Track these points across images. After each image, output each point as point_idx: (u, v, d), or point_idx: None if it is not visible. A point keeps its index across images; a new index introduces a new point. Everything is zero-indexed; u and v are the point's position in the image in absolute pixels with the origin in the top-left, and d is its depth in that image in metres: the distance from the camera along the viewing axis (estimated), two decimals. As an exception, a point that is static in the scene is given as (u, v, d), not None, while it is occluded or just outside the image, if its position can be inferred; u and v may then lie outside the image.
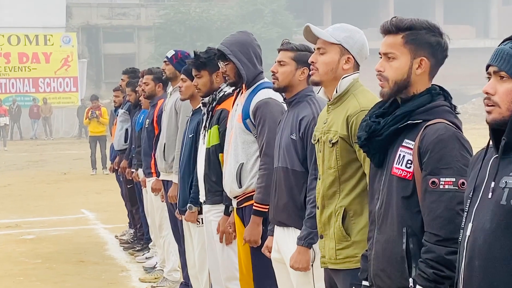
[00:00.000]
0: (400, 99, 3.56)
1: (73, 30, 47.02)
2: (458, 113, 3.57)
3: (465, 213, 2.91)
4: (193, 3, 48.55)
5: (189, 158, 6.61)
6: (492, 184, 2.79)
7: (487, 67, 2.84)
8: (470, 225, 2.85)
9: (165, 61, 7.68)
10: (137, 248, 10.81)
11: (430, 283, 3.23)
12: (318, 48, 4.28)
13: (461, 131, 3.46)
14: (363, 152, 3.73)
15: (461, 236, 2.90)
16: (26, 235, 12.89)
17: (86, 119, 22.86)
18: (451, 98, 3.62)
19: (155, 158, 8.30)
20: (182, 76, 6.89)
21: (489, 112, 2.82)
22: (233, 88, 5.93)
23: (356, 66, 4.30)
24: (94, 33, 49.04)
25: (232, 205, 5.75)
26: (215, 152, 5.94)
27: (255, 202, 5.31)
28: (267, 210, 5.16)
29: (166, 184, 7.82)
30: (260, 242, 5.25)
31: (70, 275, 9.78)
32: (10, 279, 9.62)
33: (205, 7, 47.78)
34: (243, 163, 5.56)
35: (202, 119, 6.31)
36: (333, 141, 4.11)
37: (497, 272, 2.76)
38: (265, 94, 5.47)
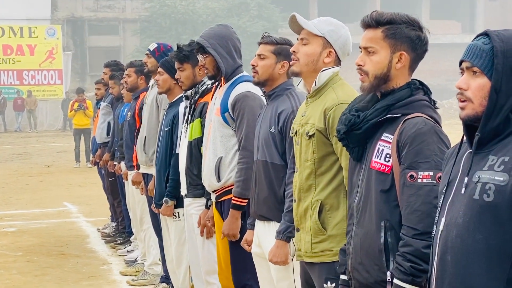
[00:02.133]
0: (380, 93, 3.57)
1: (58, 23, 46.88)
2: (437, 108, 3.62)
3: (439, 207, 2.92)
4: (177, -2, 48.65)
5: (166, 151, 6.61)
6: (466, 179, 2.80)
7: (460, 62, 2.85)
8: (443, 219, 2.86)
9: (147, 54, 7.67)
10: (119, 242, 10.82)
11: (407, 276, 3.25)
12: (302, 39, 4.29)
13: (440, 126, 3.49)
14: (342, 145, 3.74)
15: (434, 231, 2.92)
16: (7, 228, 12.88)
17: (71, 111, 22.77)
18: (431, 92, 3.64)
19: (136, 151, 8.27)
20: (160, 69, 6.87)
21: (462, 108, 2.83)
22: (212, 81, 5.92)
23: (337, 61, 4.31)
24: (79, 26, 48.96)
25: (210, 199, 5.75)
26: (197, 146, 5.93)
27: (234, 196, 5.31)
28: (245, 204, 5.17)
29: (146, 177, 7.82)
30: (238, 236, 5.26)
31: (51, 268, 9.78)
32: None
33: (191, 0, 47.75)
34: (221, 157, 5.56)
35: (185, 112, 6.30)
36: (310, 134, 4.12)
37: (469, 267, 2.77)
38: (244, 87, 5.47)
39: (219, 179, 5.57)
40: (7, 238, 11.93)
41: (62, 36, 46.24)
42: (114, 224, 11.39)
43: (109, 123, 10.75)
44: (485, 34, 2.86)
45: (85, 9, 49.82)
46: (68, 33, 47.67)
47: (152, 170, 7.34)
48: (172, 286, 7.61)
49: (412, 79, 3.61)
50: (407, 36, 3.56)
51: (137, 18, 48.46)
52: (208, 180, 5.67)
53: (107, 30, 49.54)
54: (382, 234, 3.44)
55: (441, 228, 2.87)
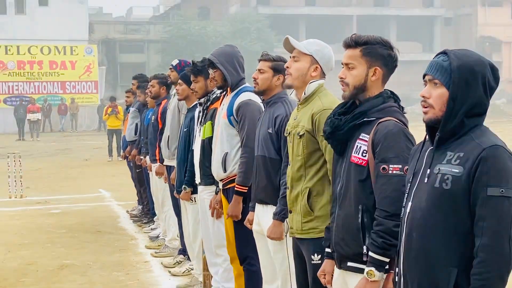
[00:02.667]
0: (358, 101, 3.58)
1: (94, 43, 46.84)
2: (405, 113, 3.66)
3: (406, 194, 2.94)
4: (193, 21, 48.65)
5: (184, 148, 6.63)
6: (428, 170, 2.84)
7: (424, 75, 2.89)
8: (409, 204, 2.89)
9: (170, 68, 7.70)
10: (144, 221, 10.82)
11: (380, 249, 3.27)
12: (293, 57, 4.31)
13: (407, 127, 3.54)
14: (328, 143, 3.76)
15: (402, 213, 2.94)
16: (53, 210, 12.88)
17: (105, 115, 22.97)
18: (400, 100, 3.69)
19: (159, 148, 8.29)
20: (179, 81, 6.91)
21: (425, 113, 2.87)
22: (220, 90, 5.94)
23: (323, 75, 4.32)
24: (111, 45, 48.88)
25: (218, 187, 5.77)
26: (209, 143, 5.94)
27: (237, 184, 5.35)
28: (246, 191, 5.22)
29: (169, 168, 7.82)
30: (240, 216, 5.30)
31: (89, 242, 9.81)
32: (39, 245, 9.63)
33: (203, 25, 47.85)
34: (227, 152, 5.59)
35: (198, 116, 6.31)
36: (300, 134, 4.14)
37: (431, 242, 2.78)
38: (246, 96, 5.50)
39: (225, 170, 5.60)
40: (53, 218, 11.93)
41: (97, 54, 46.24)
42: (140, 207, 11.39)
43: (136, 124, 10.76)
44: (444, 52, 2.89)
45: (116, 32, 49.79)
46: (102, 51, 47.61)
47: (173, 163, 7.34)
48: (188, 257, 7.64)
49: (384, 89, 3.63)
50: (380, 54, 3.58)
51: (159, 39, 48.41)
52: (216, 171, 5.70)
53: (134, 49, 49.48)
54: (360, 216, 3.48)
55: (408, 210, 2.89)
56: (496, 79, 2.85)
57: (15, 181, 14.93)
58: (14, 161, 15.67)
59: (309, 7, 53.98)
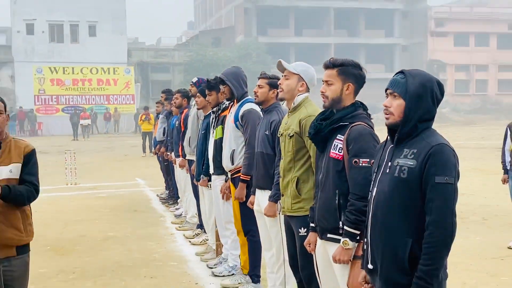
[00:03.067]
0: (335, 109, 3.60)
1: (131, 65, 46.89)
2: (372, 119, 3.70)
3: (372, 181, 2.95)
4: (208, 48, 48.71)
5: (202, 146, 6.62)
6: (389, 163, 2.87)
7: (386, 90, 2.90)
8: (375, 189, 2.90)
9: (191, 84, 7.72)
10: (170, 203, 10.81)
11: (352, 224, 3.32)
12: (285, 75, 4.33)
13: (373, 130, 3.58)
14: (312, 142, 3.80)
15: (369, 196, 2.95)
16: (100, 194, 12.90)
17: (140, 121, 23.12)
18: (367, 109, 3.72)
19: (182, 146, 8.32)
20: (198, 94, 6.92)
21: (387, 118, 2.89)
22: (229, 102, 5.95)
23: (307, 89, 4.34)
24: (145, 67, 48.87)
25: (227, 176, 5.77)
26: (220, 142, 5.95)
27: (242, 174, 5.37)
28: (249, 179, 5.23)
29: (190, 162, 7.81)
30: (244, 199, 5.31)
31: (128, 218, 9.86)
32: (89, 221, 9.65)
33: (215, 51, 47.94)
34: (234, 149, 5.62)
35: (212, 121, 6.32)
36: (290, 135, 4.16)
37: (391, 219, 2.80)
38: (248, 106, 5.53)
39: (232, 163, 5.62)
40: (100, 200, 11.96)
41: (134, 73, 46.32)
42: (167, 191, 11.40)
43: (164, 128, 10.80)
44: (402, 72, 2.91)
45: (148, 56, 49.80)
46: (137, 71, 47.59)
47: (193, 157, 7.36)
48: (204, 230, 7.65)
49: (355, 101, 3.67)
50: (352, 74, 3.61)
51: (182, 62, 48.40)
52: (226, 164, 5.72)
53: (162, 70, 49.47)
54: (337, 198, 3.52)
55: (374, 194, 2.91)
56: (442, 93, 2.87)
57: (70, 171, 14.94)
58: (70, 156, 15.71)
59: (298, 37, 53.97)
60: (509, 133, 7.47)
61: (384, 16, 57.10)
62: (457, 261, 6.69)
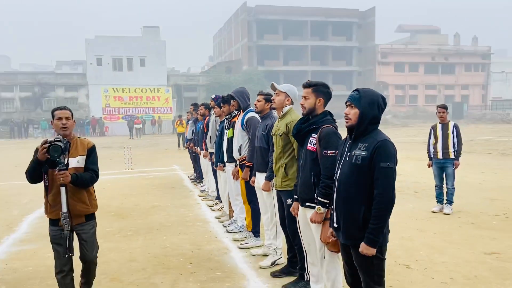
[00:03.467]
0: (311, 116, 3.57)
1: (169, 86, 46.75)
2: (336, 123, 3.61)
3: (337, 166, 2.93)
4: (222, 74, 48.52)
5: (219, 142, 6.57)
6: (348, 153, 2.85)
7: (346, 102, 2.88)
8: (339, 171, 2.89)
9: (211, 99, 7.65)
10: (197, 182, 10.75)
11: (323, 196, 3.30)
12: (276, 93, 4.30)
13: (337, 130, 3.53)
14: (295, 139, 3.77)
15: (335, 176, 2.93)
16: (148, 176, 12.82)
17: (176, 125, 23.19)
18: (333, 116, 3.66)
19: (205, 142, 8.29)
20: (215, 106, 6.89)
21: (347, 122, 2.88)
22: (237, 111, 5.92)
23: (292, 102, 4.29)
24: (179, 87, 48.71)
25: (236, 163, 5.74)
26: (231, 140, 5.90)
27: (246, 161, 5.32)
28: (251, 165, 5.18)
29: (211, 153, 7.79)
30: (248, 179, 5.26)
31: (167, 193, 9.74)
32: (141, 195, 9.58)
33: (228, 77, 47.73)
34: (241, 144, 5.57)
35: (225, 125, 6.28)
36: (280, 134, 4.13)
37: (350, 192, 2.79)
38: (250, 114, 5.48)
39: (239, 154, 5.58)
40: (148, 180, 11.89)
41: (171, 92, 46.20)
42: (195, 174, 11.34)
43: (192, 130, 10.73)
44: (357, 90, 2.88)
45: (181, 80, 49.57)
46: (174, 91, 47.40)
47: (213, 150, 7.36)
48: (221, 201, 7.63)
49: (325, 110, 3.63)
50: (322, 91, 3.58)
51: (205, 84, 48.20)
52: (235, 154, 5.68)
53: (191, 89, 49.22)
54: (312, 178, 3.49)
55: (338, 175, 2.89)
56: (385, 104, 2.86)
57: (127, 161, 14.94)
58: (127, 150, 15.69)
59: (285, 66, 53.80)
60: (432, 132, 7.45)
61: (345, 51, 56.90)
62: (396, 221, 6.68)
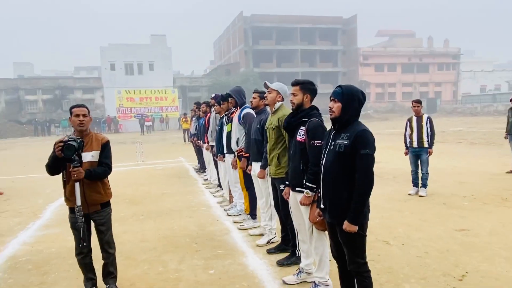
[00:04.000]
0: (299, 110, 3.54)
1: (175, 87, 46.56)
2: (322, 116, 3.58)
3: (323, 154, 2.92)
4: (222, 76, 48.29)
5: (219, 135, 6.51)
6: (333, 143, 2.82)
7: (330, 97, 2.86)
8: (324, 159, 2.87)
9: (211, 98, 7.64)
10: (201, 172, 10.72)
11: (311, 181, 3.28)
12: (268, 91, 4.25)
13: (323, 122, 3.48)
14: (286, 131, 3.73)
15: (321, 164, 2.92)
16: (158, 167, 12.79)
17: (181, 122, 23.08)
18: (319, 110, 3.63)
19: (206, 136, 8.22)
20: (215, 104, 6.84)
21: (331, 115, 2.85)
22: (235, 108, 5.88)
23: (283, 99, 4.25)
24: (184, 89, 48.48)
25: (235, 154, 5.71)
26: (230, 134, 5.86)
27: (243, 152, 5.28)
28: (248, 155, 5.14)
29: (212, 146, 7.75)
30: (246, 168, 5.22)
31: (174, 182, 9.72)
32: (151, 184, 9.54)
33: (227, 78, 47.40)
34: (238, 137, 5.53)
35: (224, 121, 6.24)
36: (273, 128, 4.10)
37: (334, 177, 2.77)
38: (246, 110, 5.42)
39: (237, 146, 5.55)
40: (157, 171, 11.85)
41: (177, 93, 46.00)
42: (199, 165, 11.32)
43: (196, 126, 10.67)
44: (339, 86, 2.86)
45: (186, 82, 49.32)
46: (179, 91, 47.21)
47: (213, 143, 7.31)
48: (221, 188, 7.61)
49: (312, 105, 3.59)
50: (309, 88, 3.55)
51: (207, 85, 47.87)
52: (233, 147, 5.64)
53: (194, 90, 48.88)
54: (301, 165, 3.46)
55: (323, 162, 2.88)
56: (364, 98, 2.83)
57: (139, 154, 14.90)
58: (139, 145, 15.64)
59: (278, 68, 53.55)
60: (408, 124, 7.45)
61: (331, 54, 56.68)
62: (377, 202, 6.70)
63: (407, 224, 5.53)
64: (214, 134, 7.33)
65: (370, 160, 2.65)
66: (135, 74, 45.63)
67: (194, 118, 11.28)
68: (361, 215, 2.66)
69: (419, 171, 7.40)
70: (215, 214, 6.47)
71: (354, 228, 2.67)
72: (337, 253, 2.97)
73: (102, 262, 3.71)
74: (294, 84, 3.56)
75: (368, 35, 77.79)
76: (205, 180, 9.53)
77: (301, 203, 3.39)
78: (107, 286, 3.69)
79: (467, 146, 15.46)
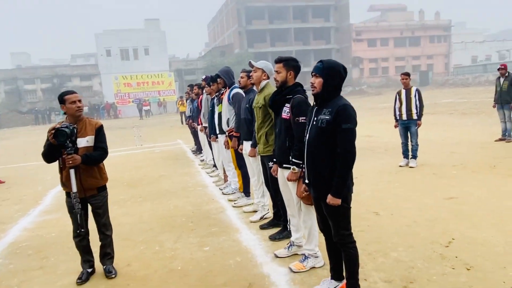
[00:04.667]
0: (284, 88, 3.49)
1: (172, 71, 46.11)
2: (306, 93, 3.52)
3: (306, 130, 2.88)
4: (217, 58, 47.73)
5: (211, 117, 6.46)
6: (315, 118, 2.79)
7: (311, 72, 2.81)
8: (307, 135, 2.84)
9: (202, 80, 7.55)
10: (197, 153, 10.68)
11: (297, 157, 3.25)
12: (254, 70, 4.18)
13: (307, 99, 3.43)
14: (271, 109, 3.69)
15: (305, 139, 2.89)
16: (156, 150, 12.77)
17: (178, 105, 22.94)
18: (303, 86, 3.56)
19: (200, 118, 8.16)
20: (206, 85, 6.77)
21: (313, 91, 2.80)
22: (224, 88, 5.81)
23: (268, 77, 4.18)
24: (180, 72, 48.02)
25: (226, 134, 5.67)
26: (220, 114, 5.82)
27: (234, 132, 5.25)
28: (239, 135, 5.10)
29: (205, 127, 7.69)
30: (237, 147, 5.20)
31: (172, 164, 9.72)
32: (149, 166, 9.54)
33: (222, 59, 46.84)
34: (229, 117, 5.48)
35: (215, 102, 6.17)
36: (259, 106, 4.04)
37: (317, 152, 2.75)
38: (235, 90, 5.37)
39: (228, 126, 5.50)
40: (155, 154, 11.83)
41: (174, 76, 45.57)
42: (195, 146, 11.27)
43: (190, 108, 10.57)
44: (321, 61, 2.79)
45: (182, 65, 48.84)
46: (176, 75, 46.77)
47: (206, 124, 7.26)
48: (217, 168, 7.60)
49: (296, 82, 3.53)
50: (293, 65, 3.49)
51: (202, 68, 47.27)
52: (224, 127, 5.60)
53: (191, 73, 48.45)
54: (287, 142, 3.42)
55: (307, 138, 2.84)
56: (345, 73, 2.78)
57: (138, 138, 14.85)
58: (137, 129, 15.58)
59: (272, 47, 52.85)
60: (397, 97, 7.39)
61: (324, 31, 55.89)
62: (368, 175, 6.71)
63: (397, 195, 5.54)
64: (207, 115, 7.28)
65: (352, 134, 2.61)
66: (131, 59, 45.13)
67: (188, 101, 11.18)
68: (344, 188, 2.64)
69: (409, 143, 7.39)
70: (211, 193, 6.48)
71: (338, 201, 2.65)
72: (323, 226, 2.97)
73: (99, 244, 3.72)
74: (277, 61, 3.49)
75: (360, 11, 76.66)
76: (202, 161, 9.51)
77: (288, 179, 3.37)
78: (104, 267, 3.71)
79: (458, 116, 15.42)
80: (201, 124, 8.16)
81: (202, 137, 8.78)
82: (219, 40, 62.53)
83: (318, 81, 2.75)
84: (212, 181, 7.29)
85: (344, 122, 2.60)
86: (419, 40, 57.68)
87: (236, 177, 5.93)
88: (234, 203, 5.61)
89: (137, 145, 14.40)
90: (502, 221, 4.28)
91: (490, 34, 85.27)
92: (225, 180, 6.78)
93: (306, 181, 2.91)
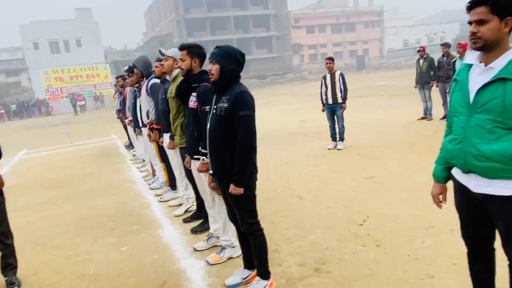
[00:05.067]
0: (190, 76, 3.38)
1: (107, 63, 43.92)
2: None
3: (207, 119, 2.81)
4: (156, 48, 46.00)
5: (134, 109, 6.19)
6: (215, 106, 2.72)
7: (209, 59, 2.72)
8: (208, 123, 2.78)
9: (124, 71, 7.01)
10: (130, 148, 10.20)
11: (203, 147, 3.08)
12: (165, 58, 4.06)
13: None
14: (179, 99, 3.54)
15: (207, 128, 2.80)
16: (86, 147, 12.11)
17: (113, 99, 21.68)
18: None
19: (126, 111, 7.76)
20: (126, 76, 6.43)
21: (211, 78, 2.78)
22: (142, 79, 5.54)
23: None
24: (117, 64, 45.83)
25: (148, 127, 5.42)
26: (141, 107, 5.52)
27: (154, 124, 5.04)
28: (160, 127, 4.89)
29: (131, 120, 7.37)
30: (158, 140, 5.00)
31: (102, 161, 9.27)
32: (79, 164, 9.02)
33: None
34: (148, 109, 5.25)
35: (137, 93, 5.82)
36: (173, 97, 3.89)
37: (217, 140, 2.67)
38: (153, 80, 5.01)
39: (147, 118, 5.25)
40: (86, 152, 11.21)
41: (110, 69, 43.44)
42: (129, 142, 10.81)
43: (120, 101, 10.01)
44: (217, 47, 2.70)
45: (118, 56, 46.71)
46: (112, 67, 44.64)
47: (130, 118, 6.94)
48: (143, 160, 7.32)
49: (202, 69, 3.41)
50: (197, 53, 3.42)
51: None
52: (144, 119, 5.36)
53: (128, 64, 46.37)
54: (195, 132, 3.33)
55: (208, 127, 2.79)
56: (243, 59, 2.70)
57: (67, 135, 14.03)
58: (64, 126, 14.71)
59: (212, 36, 52.03)
60: (323, 81, 7.52)
61: (263, 19, 56.02)
62: (297, 160, 6.80)
63: (321, 177, 5.65)
64: (131, 108, 6.95)
65: (250, 121, 2.56)
66: (61, 52, 42.40)
67: (117, 94, 10.67)
68: (245, 177, 2.59)
69: (336, 126, 7.58)
70: (138, 189, 6.24)
71: (240, 190, 2.60)
72: (232, 216, 2.92)
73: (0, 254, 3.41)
74: (181, 48, 3.34)
75: (299, -2, 77.67)
76: (134, 156, 9.16)
77: (198, 170, 3.28)
78: (6, 279, 3.41)
79: (388, 98, 16.14)
80: (127, 117, 7.82)
81: (131, 130, 8.41)
82: (158, 30, 60.60)
83: (215, 67, 2.66)
84: (141, 176, 7.03)
85: (241, 109, 2.54)
86: (354, 26, 59.72)
87: (163, 171, 5.73)
88: (160, 198, 5.44)
89: (66, 143, 13.59)
90: (413, 196, 4.50)
91: (420, 18, 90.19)
92: (154, 174, 6.55)
93: (210, 171, 2.83)
